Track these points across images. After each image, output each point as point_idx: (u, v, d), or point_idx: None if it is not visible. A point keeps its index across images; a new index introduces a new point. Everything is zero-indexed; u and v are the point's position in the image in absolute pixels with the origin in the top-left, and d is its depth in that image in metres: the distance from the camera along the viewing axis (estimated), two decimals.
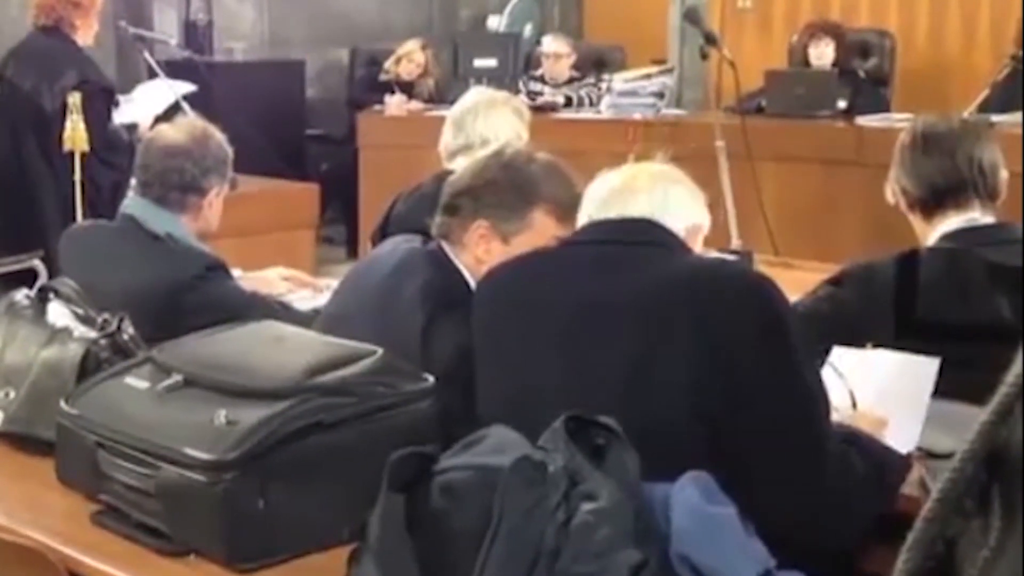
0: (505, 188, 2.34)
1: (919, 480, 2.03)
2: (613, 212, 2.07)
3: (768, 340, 1.88)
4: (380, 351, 1.95)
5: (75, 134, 4.13)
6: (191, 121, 3.31)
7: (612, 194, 2.09)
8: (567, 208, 2.27)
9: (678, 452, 1.78)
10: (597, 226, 2.07)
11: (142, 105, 5.33)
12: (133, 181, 3.08)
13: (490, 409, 1.99)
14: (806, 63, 6.78)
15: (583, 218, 2.12)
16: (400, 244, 2.54)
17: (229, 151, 3.07)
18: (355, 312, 2.43)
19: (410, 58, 7.63)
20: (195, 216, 3.01)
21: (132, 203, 3.05)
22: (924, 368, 2.27)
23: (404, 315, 2.30)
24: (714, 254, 2.99)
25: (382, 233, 3.35)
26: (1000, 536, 0.81)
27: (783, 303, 1.94)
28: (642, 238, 2.02)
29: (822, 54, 6.71)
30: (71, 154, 4.17)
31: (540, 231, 2.31)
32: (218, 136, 3.07)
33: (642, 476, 1.60)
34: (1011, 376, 0.82)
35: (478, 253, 2.33)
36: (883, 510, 1.94)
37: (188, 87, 5.53)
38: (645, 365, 1.88)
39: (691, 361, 1.85)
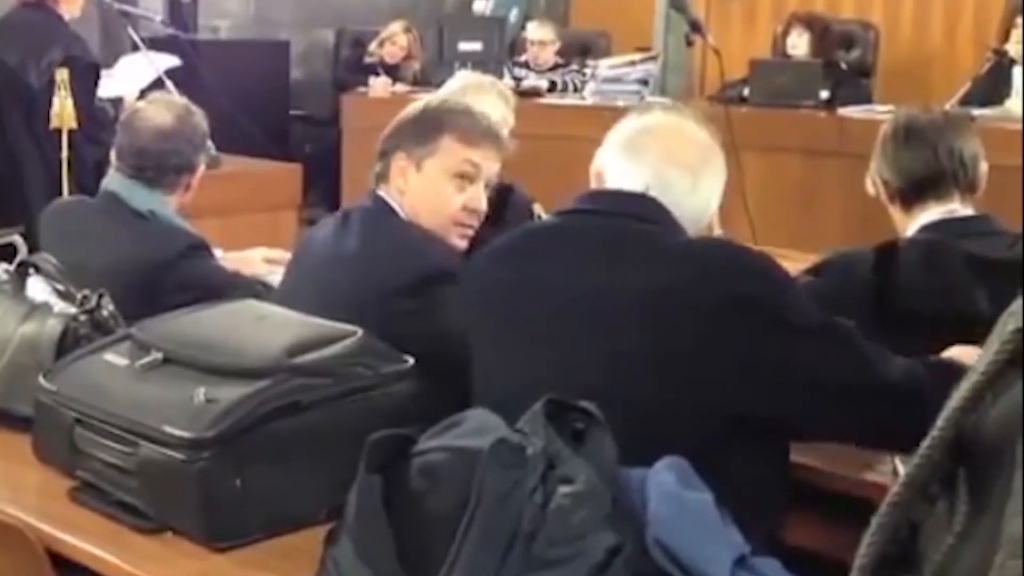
0: (418, 121, 2.57)
1: (892, 469, 2.05)
2: (619, 176, 2.05)
3: (772, 323, 1.84)
4: (360, 331, 1.95)
5: (63, 111, 4.08)
6: (169, 99, 3.28)
7: (625, 150, 2.06)
8: (473, 134, 2.52)
9: (656, 440, 1.78)
10: (591, 197, 2.05)
11: (124, 79, 5.29)
12: (113, 157, 3.05)
13: (482, 391, 1.99)
14: (785, 53, 6.82)
15: (604, 159, 2.09)
16: (337, 217, 2.62)
17: (207, 124, 3.08)
18: (299, 289, 2.47)
19: (393, 41, 7.61)
20: (183, 193, 3.02)
21: (114, 180, 3.02)
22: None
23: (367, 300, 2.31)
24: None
25: None
26: (966, 521, 0.81)
27: (777, 280, 1.91)
28: (635, 213, 1.99)
29: (796, 43, 6.78)
30: (58, 131, 4.12)
31: (450, 154, 2.50)
32: (196, 110, 3.08)
33: (624, 461, 1.60)
34: (982, 364, 0.82)
35: (399, 184, 2.52)
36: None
37: (171, 61, 5.50)
38: (642, 354, 1.85)
39: (692, 355, 1.83)
